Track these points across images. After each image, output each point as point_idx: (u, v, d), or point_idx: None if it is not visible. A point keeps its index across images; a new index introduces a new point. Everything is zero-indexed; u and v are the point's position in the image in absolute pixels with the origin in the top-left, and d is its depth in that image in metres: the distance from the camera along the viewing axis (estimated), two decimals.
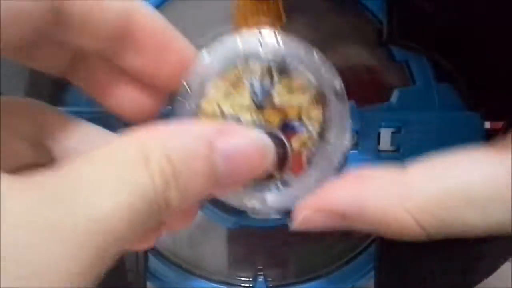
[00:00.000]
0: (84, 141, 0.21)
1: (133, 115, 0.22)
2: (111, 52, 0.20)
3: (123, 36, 0.19)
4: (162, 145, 0.17)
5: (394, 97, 0.25)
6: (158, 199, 0.16)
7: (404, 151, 0.24)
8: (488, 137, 0.24)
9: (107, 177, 0.16)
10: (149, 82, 0.21)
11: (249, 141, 0.19)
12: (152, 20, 0.20)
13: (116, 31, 0.19)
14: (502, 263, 0.26)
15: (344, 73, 0.25)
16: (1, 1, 0.15)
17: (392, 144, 0.24)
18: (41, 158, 0.21)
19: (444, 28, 0.24)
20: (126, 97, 0.21)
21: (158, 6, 0.25)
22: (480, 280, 0.27)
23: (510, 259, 0.28)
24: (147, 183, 0.16)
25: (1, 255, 0.13)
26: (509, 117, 0.24)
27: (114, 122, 0.23)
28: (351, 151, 0.23)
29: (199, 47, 0.22)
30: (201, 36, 0.25)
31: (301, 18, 0.24)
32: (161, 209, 0.16)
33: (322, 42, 0.26)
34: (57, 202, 0.15)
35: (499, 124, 0.25)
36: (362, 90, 0.26)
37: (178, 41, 0.20)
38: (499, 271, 0.27)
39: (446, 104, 0.25)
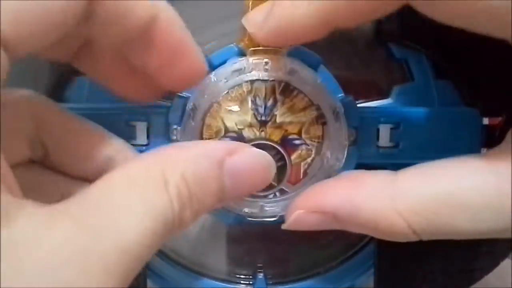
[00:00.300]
0: (81, 140, 0.21)
1: (136, 98, 0.22)
2: (125, 48, 0.20)
3: (143, 35, 0.19)
4: (179, 169, 0.17)
5: (393, 94, 0.25)
6: (174, 220, 0.17)
7: (403, 147, 0.24)
8: (486, 133, 0.24)
9: (131, 202, 0.16)
10: (155, 78, 0.21)
11: (253, 159, 0.20)
12: (173, 23, 0.20)
13: (139, 30, 0.19)
14: (502, 260, 0.26)
15: (344, 70, 0.26)
16: (36, 7, 0.15)
17: (391, 140, 0.24)
18: (35, 155, 0.21)
19: (443, 26, 0.24)
20: (129, 84, 0.22)
21: None
22: (481, 277, 0.27)
23: (510, 257, 0.28)
24: (167, 206, 0.16)
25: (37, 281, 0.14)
26: (507, 113, 0.24)
27: (114, 119, 0.23)
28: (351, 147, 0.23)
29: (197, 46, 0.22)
30: (200, 36, 0.26)
31: None
32: (175, 228, 0.17)
33: (322, 40, 0.26)
34: (85, 232, 0.15)
35: (497, 120, 0.25)
36: (362, 87, 0.26)
37: (192, 48, 0.21)
38: (499, 270, 0.27)
39: (445, 101, 0.25)
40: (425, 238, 0.19)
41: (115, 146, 0.22)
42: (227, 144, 0.21)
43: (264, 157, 0.21)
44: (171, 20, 0.20)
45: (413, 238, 0.19)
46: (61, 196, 0.20)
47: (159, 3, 0.19)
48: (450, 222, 0.18)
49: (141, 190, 0.16)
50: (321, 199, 0.20)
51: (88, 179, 0.21)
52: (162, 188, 0.17)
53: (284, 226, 0.22)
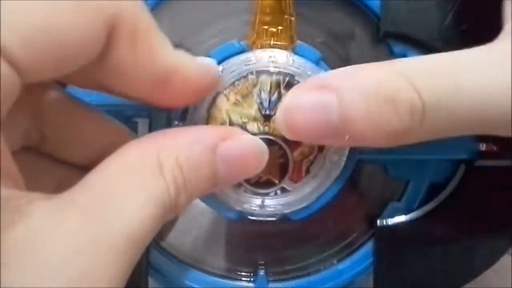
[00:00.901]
0: (82, 125, 0.21)
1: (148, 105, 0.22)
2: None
3: (161, 85, 0.19)
4: (174, 155, 0.17)
5: None
6: (171, 205, 0.17)
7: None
8: None
9: (132, 189, 0.16)
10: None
11: (245, 145, 0.20)
12: (194, 74, 0.19)
13: (155, 82, 0.18)
14: (501, 255, 0.26)
15: (344, 67, 0.26)
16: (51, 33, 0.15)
17: None
18: (30, 142, 0.20)
19: (442, 22, 0.24)
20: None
21: (156, 5, 0.25)
22: (479, 273, 0.27)
23: (510, 256, 0.28)
24: (164, 192, 0.17)
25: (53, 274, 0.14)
26: None
27: (116, 116, 0.23)
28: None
29: (197, 44, 0.22)
30: (199, 35, 0.26)
31: (300, 16, 0.25)
32: (170, 213, 0.17)
33: (322, 39, 0.26)
34: (93, 221, 0.15)
35: None
36: None
37: (208, 84, 0.21)
38: (499, 269, 0.27)
39: None
40: (428, 110, 0.18)
41: (115, 131, 0.22)
42: (220, 129, 0.21)
43: (257, 143, 0.21)
44: (192, 69, 0.19)
45: (418, 107, 0.18)
46: (57, 185, 0.20)
47: (179, 53, 0.19)
48: (456, 86, 0.18)
49: (140, 176, 0.17)
50: (322, 77, 0.20)
51: (86, 165, 0.21)
52: (158, 173, 0.17)
53: (277, 117, 0.21)
